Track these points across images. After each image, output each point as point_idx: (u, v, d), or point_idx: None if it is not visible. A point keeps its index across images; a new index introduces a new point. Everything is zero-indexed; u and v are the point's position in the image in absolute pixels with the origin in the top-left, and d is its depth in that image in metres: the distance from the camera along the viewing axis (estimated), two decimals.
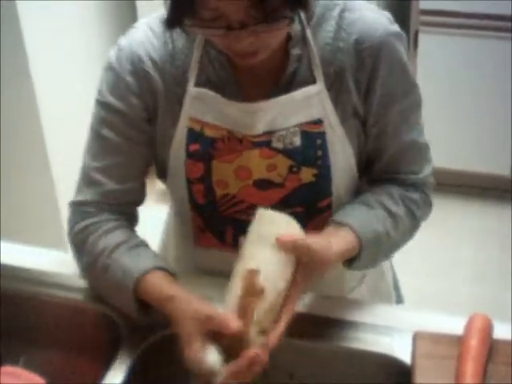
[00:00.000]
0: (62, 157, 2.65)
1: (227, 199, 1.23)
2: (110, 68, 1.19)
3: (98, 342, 1.24)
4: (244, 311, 0.98)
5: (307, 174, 1.18)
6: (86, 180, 1.23)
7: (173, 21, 1.03)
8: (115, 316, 1.20)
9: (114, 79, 1.18)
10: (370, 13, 1.16)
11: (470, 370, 1.02)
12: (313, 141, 1.16)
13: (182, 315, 1.03)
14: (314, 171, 1.18)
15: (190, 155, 1.20)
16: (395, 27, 1.16)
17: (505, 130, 3.07)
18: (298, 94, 1.15)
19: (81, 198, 1.23)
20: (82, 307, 1.25)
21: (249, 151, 1.18)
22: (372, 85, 1.15)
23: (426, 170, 1.25)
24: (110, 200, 1.23)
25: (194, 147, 1.19)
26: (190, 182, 1.23)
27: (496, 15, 2.88)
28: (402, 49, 1.16)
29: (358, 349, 1.14)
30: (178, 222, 1.39)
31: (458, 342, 1.07)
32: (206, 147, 1.19)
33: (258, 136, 1.17)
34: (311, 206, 1.23)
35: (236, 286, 1.01)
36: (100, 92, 1.21)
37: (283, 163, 1.18)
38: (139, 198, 1.29)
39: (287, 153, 1.17)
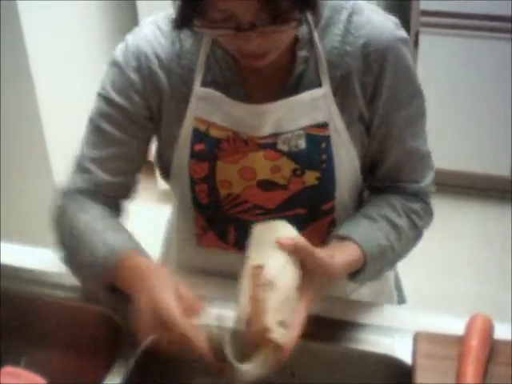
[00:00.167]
0: (62, 157, 2.65)
1: (231, 199, 1.23)
2: (114, 63, 1.20)
3: (98, 341, 1.24)
4: (255, 301, 0.97)
5: (311, 177, 1.18)
6: (79, 168, 1.23)
7: (182, 21, 1.03)
8: (115, 316, 1.20)
9: (118, 75, 1.19)
10: (378, 17, 1.15)
11: (471, 370, 1.02)
12: (318, 144, 1.16)
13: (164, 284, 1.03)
14: (318, 174, 1.18)
15: (194, 155, 1.20)
16: (402, 32, 1.16)
17: (505, 130, 3.07)
18: (304, 96, 1.15)
19: (71, 184, 1.24)
20: (82, 307, 1.25)
21: (254, 153, 1.18)
22: (378, 89, 1.15)
23: (428, 179, 1.25)
24: (100, 190, 1.23)
25: (199, 147, 1.19)
26: (193, 182, 1.23)
27: (496, 16, 2.88)
28: (408, 54, 1.16)
29: (358, 349, 1.14)
30: (180, 222, 1.39)
31: (459, 342, 1.07)
32: (211, 147, 1.19)
33: (264, 138, 1.17)
34: (314, 208, 1.23)
35: (245, 285, 1.01)
36: (103, 86, 1.21)
37: (287, 166, 1.18)
38: (129, 192, 1.29)
39: (292, 155, 1.17)
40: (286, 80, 1.15)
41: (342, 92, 1.15)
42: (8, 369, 1.14)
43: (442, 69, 2.95)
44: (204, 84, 1.16)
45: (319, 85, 1.15)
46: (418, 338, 1.10)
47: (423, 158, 1.24)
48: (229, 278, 1.22)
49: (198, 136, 1.19)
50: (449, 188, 3.19)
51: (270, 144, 1.17)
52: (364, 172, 1.24)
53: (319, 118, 1.16)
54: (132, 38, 1.19)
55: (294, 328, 1.00)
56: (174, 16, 1.04)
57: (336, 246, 1.12)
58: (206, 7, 0.98)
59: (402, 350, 1.12)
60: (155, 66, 1.17)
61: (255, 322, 0.97)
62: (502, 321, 1.13)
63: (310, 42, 1.14)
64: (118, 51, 1.20)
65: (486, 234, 3.10)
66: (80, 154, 1.24)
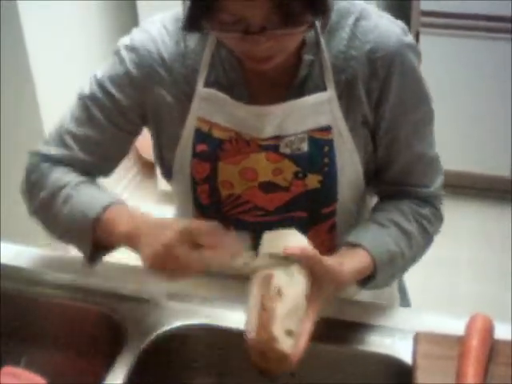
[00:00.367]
0: None
1: (232, 199, 1.23)
2: (117, 54, 1.20)
3: (98, 341, 1.24)
4: (263, 310, 0.97)
5: (313, 181, 1.18)
6: (58, 140, 1.24)
7: (190, 23, 1.02)
8: (115, 316, 1.20)
9: (119, 66, 1.19)
10: (385, 22, 1.15)
11: (471, 370, 1.02)
12: (320, 147, 1.16)
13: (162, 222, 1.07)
14: (320, 178, 1.18)
15: (196, 155, 1.20)
16: (409, 38, 1.15)
17: (505, 130, 3.07)
18: (308, 99, 1.14)
19: (47, 151, 1.24)
20: (82, 307, 1.24)
21: (256, 154, 1.18)
22: (384, 94, 1.14)
23: (437, 183, 1.25)
24: (76, 165, 1.24)
25: (201, 147, 1.19)
26: (195, 183, 1.23)
27: (496, 16, 2.88)
28: (415, 60, 1.15)
29: (359, 349, 1.14)
30: None
31: (459, 342, 1.07)
32: (214, 148, 1.18)
33: (266, 139, 1.16)
34: (315, 211, 1.23)
35: (253, 293, 1.01)
36: (102, 72, 1.21)
37: (289, 168, 1.18)
38: (103, 174, 1.30)
39: (294, 158, 1.17)
40: (291, 83, 1.15)
41: (346, 96, 1.15)
42: (8, 369, 1.14)
43: (442, 69, 2.95)
44: (207, 84, 1.16)
45: (324, 88, 1.14)
46: (418, 338, 1.10)
47: (432, 162, 1.24)
48: (229, 278, 1.22)
49: (201, 136, 1.19)
50: (449, 188, 3.14)
51: (272, 146, 1.17)
52: (367, 177, 1.23)
53: (323, 121, 1.15)
54: (138, 34, 1.19)
55: (302, 337, 1.00)
56: (182, 17, 1.03)
57: (345, 253, 1.12)
58: (215, 9, 0.97)
59: (403, 350, 1.12)
60: (157, 64, 1.17)
61: (262, 331, 0.97)
62: (502, 321, 1.13)
63: (316, 45, 1.13)
64: (123, 43, 1.20)
65: (485, 234, 3.10)
66: (62, 125, 1.25)
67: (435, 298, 2.63)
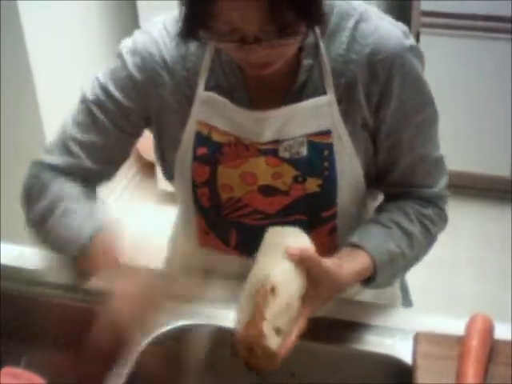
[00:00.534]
0: None
1: (232, 202, 1.23)
2: (119, 57, 1.20)
3: (98, 342, 1.24)
4: (255, 306, 0.98)
5: (312, 185, 1.18)
6: (62, 147, 1.23)
7: (187, 33, 1.02)
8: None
9: (121, 69, 1.19)
10: (386, 25, 1.14)
11: (471, 370, 1.02)
12: (320, 151, 1.16)
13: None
14: (319, 182, 1.18)
15: (196, 158, 1.20)
16: (410, 41, 1.14)
17: (505, 130, 3.07)
18: (308, 104, 1.14)
19: (50, 160, 1.24)
20: (83, 307, 1.24)
21: (255, 158, 1.18)
22: (385, 98, 1.14)
23: (441, 184, 1.24)
24: (79, 172, 1.23)
25: (201, 151, 1.19)
26: (195, 185, 1.23)
27: (496, 17, 2.88)
28: (416, 63, 1.14)
29: (359, 349, 1.14)
30: (183, 224, 1.40)
31: (459, 342, 1.07)
32: (213, 152, 1.18)
33: (265, 144, 1.16)
34: (315, 214, 1.23)
35: (248, 289, 1.02)
36: (104, 74, 1.21)
37: (288, 172, 1.17)
38: (105, 181, 1.29)
39: (293, 162, 1.17)
40: (290, 87, 1.14)
41: (346, 100, 1.14)
42: (8, 369, 1.14)
43: (442, 69, 2.95)
44: (208, 88, 1.16)
45: (323, 92, 1.14)
46: (418, 338, 1.10)
47: (436, 164, 1.23)
48: (232, 278, 1.23)
49: (201, 140, 1.19)
50: (449, 188, 3.18)
51: (271, 150, 1.17)
52: (368, 179, 1.23)
53: (322, 125, 1.15)
54: (140, 36, 1.19)
55: (290, 336, 1.00)
56: (179, 25, 1.03)
57: (345, 255, 1.12)
58: (210, 19, 0.97)
59: (403, 350, 1.12)
60: (159, 67, 1.17)
61: (252, 327, 0.97)
62: (502, 321, 1.13)
63: (316, 49, 1.12)
64: (125, 46, 1.19)
65: (485, 234, 3.10)
66: (66, 131, 1.24)
67: (435, 298, 2.63)
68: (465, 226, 3.11)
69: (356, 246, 1.13)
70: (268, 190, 1.20)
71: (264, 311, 0.97)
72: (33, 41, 2.53)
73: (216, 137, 1.18)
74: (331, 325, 1.16)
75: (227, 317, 1.18)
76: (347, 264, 1.09)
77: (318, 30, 1.11)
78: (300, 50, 1.11)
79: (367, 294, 1.32)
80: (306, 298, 1.03)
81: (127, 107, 1.19)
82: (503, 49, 2.93)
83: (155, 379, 1.18)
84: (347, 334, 1.15)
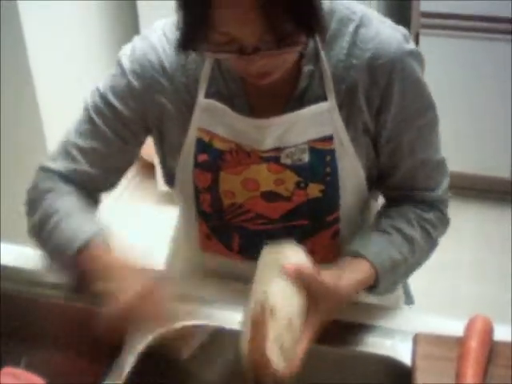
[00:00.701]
0: None
1: (234, 208, 1.23)
2: (119, 64, 1.19)
3: (98, 342, 1.24)
4: (256, 328, 0.98)
5: (314, 190, 1.18)
6: (64, 153, 1.23)
7: (186, 44, 1.01)
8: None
9: (120, 77, 1.18)
10: (386, 29, 1.13)
11: (471, 371, 1.02)
12: (322, 157, 1.16)
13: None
14: (322, 187, 1.17)
15: (198, 165, 1.20)
16: (410, 45, 1.14)
17: (505, 132, 3.07)
18: (309, 110, 1.13)
19: (54, 166, 1.23)
20: (82, 308, 1.24)
21: (257, 165, 1.17)
22: (385, 103, 1.13)
23: (443, 187, 1.24)
24: (81, 179, 1.23)
25: (203, 157, 1.19)
26: (197, 191, 1.23)
27: (496, 17, 2.88)
28: (416, 67, 1.13)
29: (358, 350, 1.14)
30: (185, 229, 1.39)
31: (458, 343, 1.07)
32: (215, 158, 1.18)
33: (267, 151, 1.16)
34: (318, 219, 1.23)
35: (249, 310, 1.01)
36: (104, 83, 1.20)
37: (291, 179, 1.17)
38: (107, 188, 1.29)
39: (295, 169, 1.16)
40: (291, 94, 1.14)
41: (347, 105, 1.14)
42: (8, 369, 1.14)
43: (441, 70, 2.95)
44: (208, 95, 1.15)
45: (324, 98, 1.13)
46: (417, 339, 1.10)
47: (437, 167, 1.23)
48: (234, 280, 1.23)
49: (202, 146, 1.18)
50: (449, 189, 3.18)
51: (273, 157, 1.16)
52: (370, 182, 1.23)
53: (324, 131, 1.15)
54: (140, 43, 1.18)
55: (296, 355, 1.00)
56: (177, 37, 1.02)
57: (346, 265, 1.11)
58: (208, 30, 0.96)
59: (402, 352, 1.12)
60: (159, 74, 1.16)
61: (255, 352, 0.97)
62: (502, 322, 1.13)
63: (316, 55, 1.12)
64: (124, 54, 1.19)
65: (485, 235, 3.10)
66: (68, 139, 1.23)
67: (436, 300, 2.63)
68: (465, 227, 3.11)
69: (357, 255, 1.13)
70: (270, 196, 1.20)
71: (265, 334, 0.97)
72: (33, 41, 2.53)
73: (217, 144, 1.17)
74: (331, 326, 1.16)
75: (227, 318, 1.19)
76: (347, 274, 1.08)
77: (318, 37, 1.10)
78: (300, 56, 1.10)
79: (370, 296, 1.32)
80: (307, 315, 1.03)
81: (126, 116, 1.19)
82: (503, 50, 2.93)
83: (155, 379, 1.18)
84: (347, 335, 1.15)
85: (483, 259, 2.98)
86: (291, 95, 1.14)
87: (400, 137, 1.17)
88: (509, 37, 2.89)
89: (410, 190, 1.23)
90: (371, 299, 1.29)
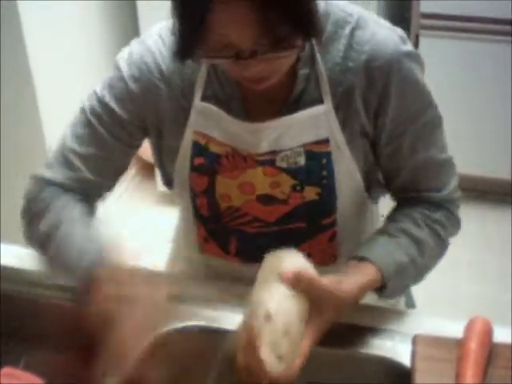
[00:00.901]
0: None
1: (231, 211, 1.23)
2: (117, 69, 1.19)
3: (98, 343, 1.24)
4: (250, 333, 0.97)
5: (311, 193, 1.17)
6: (62, 160, 1.22)
7: (182, 51, 1.00)
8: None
9: (118, 81, 1.18)
10: (382, 31, 1.12)
11: (470, 372, 1.02)
12: (318, 160, 1.15)
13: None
14: (318, 190, 1.17)
15: (194, 168, 1.20)
16: (407, 46, 1.13)
17: (505, 133, 3.07)
18: (305, 114, 1.13)
19: (50, 175, 1.22)
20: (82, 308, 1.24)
21: (252, 169, 1.17)
22: (383, 106, 1.13)
23: (450, 186, 1.22)
24: (80, 186, 1.22)
25: (199, 161, 1.19)
26: (194, 195, 1.23)
27: (496, 19, 2.88)
28: (414, 68, 1.13)
29: (358, 351, 1.14)
30: (183, 231, 1.40)
31: (458, 345, 1.07)
32: (211, 162, 1.18)
33: (262, 154, 1.16)
34: (314, 222, 1.23)
35: (245, 316, 1.01)
36: (102, 87, 1.20)
37: (286, 182, 1.17)
38: (105, 193, 1.28)
39: (291, 172, 1.16)
40: (287, 97, 1.13)
41: (343, 108, 1.13)
42: (7, 370, 1.14)
43: (441, 71, 2.95)
44: (204, 98, 1.15)
45: (320, 101, 1.13)
46: (417, 340, 1.10)
47: (442, 166, 1.22)
48: (228, 280, 1.23)
49: (198, 150, 1.18)
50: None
51: (268, 160, 1.16)
52: (368, 186, 1.23)
53: (320, 134, 1.14)
54: (137, 47, 1.18)
55: (297, 358, 0.99)
56: (173, 43, 1.01)
57: (348, 270, 1.10)
58: (205, 35, 0.95)
59: (402, 353, 1.12)
60: (156, 78, 1.16)
61: (249, 355, 0.96)
62: (501, 323, 1.13)
63: (312, 58, 1.11)
64: (122, 57, 1.18)
65: (485, 236, 3.10)
66: (64, 143, 1.22)
67: (436, 300, 2.63)
68: (465, 228, 3.08)
69: (362, 259, 1.12)
70: (266, 199, 1.20)
71: (260, 338, 0.96)
72: (33, 41, 2.53)
73: (213, 147, 1.17)
74: (331, 327, 1.16)
75: (226, 318, 1.19)
76: (350, 278, 1.07)
77: (314, 40, 1.09)
78: (296, 60, 1.09)
79: (370, 297, 1.32)
80: (309, 320, 1.02)
81: (124, 119, 1.19)
82: (503, 51, 2.93)
83: (155, 380, 1.18)
84: (346, 336, 1.15)
85: (483, 260, 2.98)
86: (287, 98, 1.13)
87: (400, 138, 1.16)
88: (509, 38, 2.89)
89: (416, 191, 1.22)
90: (371, 301, 1.30)
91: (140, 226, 3.12)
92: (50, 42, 2.68)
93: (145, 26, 2.94)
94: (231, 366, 1.00)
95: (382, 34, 1.12)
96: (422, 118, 1.16)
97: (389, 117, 1.14)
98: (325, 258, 1.26)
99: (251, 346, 0.96)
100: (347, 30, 1.11)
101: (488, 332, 1.08)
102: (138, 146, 1.26)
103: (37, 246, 1.20)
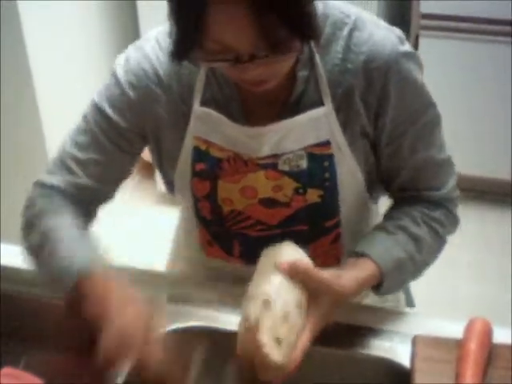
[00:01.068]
0: None
1: (234, 215, 1.22)
2: (114, 76, 1.18)
3: (97, 343, 1.24)
4: (248, 320, 0.98)
5: (313, 195, 1.17)
6: (62, 166, 1.21)
7: (180, 54, 1.00)
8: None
9: (115, 88, 1.17)
10: (380, 31, 1.11)
11: (470, 373, 1.02)
12: (320, 163, 1.15)
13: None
14: (320, 192, 1.17)
15: (195, 174, 1.19)
16: (405, 46, 1.12)
17: (505, 133, 3.07)
18: (305, 116, 1.12)
19: (51, 181, 1.21)
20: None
21: (254, 173, 1.17)
22: (382, 107, 1.12)
23: (449, 185, 1.23)
24: (79, 192, 1.21)
25: (200, 166, 1.18)
26: (196, 199, 1.23)
27: (496, 20, 2.88)
28: (413, 68, 1.12)
29: (357, 352, 1.14)
30: (186, 233, 1.39)
31: (458, 345, 1.07)
32: (212, 167, 1.18)
33: (264, 158, 1.15)
34: (317, 225, 1.23)
35: (243, 306, 1.02)
36: (99, 94, 1.19)
37: (289, 185, 1.17)
38: (105, 200, 1.27)
39: (293, 175, 1.16)
40: (287, 100, 1.13)
41: (343, 109, 1.13)
42: (7, 370, 1.14)
43: (441, 72, 2.95)
44: (203, 103, 1.15)
45: (320, 103, 1.12)
46: (416, 341, 1.10)
47: (442, 165, 1.22)
48: (227, 281, 1.23)
49: (199, 155, 1.18)
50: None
51: (270, 164, 1.16)
52: (370, 186, 1.23)
53: (321, 136, 1.14)
54: (134, 54, 1.17)
55: (296, 349, 1.00)
56: (171, 47, 1.00)
57: (348, 264, 1.11)
58: (202, 39, 0.94)
59: (401, 354, 1.12)
60: (154, 84, 1.15)
61: (249, 341, 0.97)
62: (501, 324, 1.13)
63: (311, 61, 1.11)
64: (119, 64, 1.17)
65: (485, 236, 3.10)
66: (65, 149, 1.22)
67: (436, 301, 2.63)
68: (464, 228, 3.08)
69: (360, 255, 1.12)
70: (269, 203, 1.19)
71: (259, 323, 0.96)
72: (33, 41, 2.53)
73: (214, 152, 1.17)
74: (330, 328, 1.16)
75: (225, 319, 1.19)
76: (349, 272, 1.08)
77: (312, 42, 1.09)
78: (295, 61, 1.09)
79: (371, 298, 1.32)
80: (308, 311, 1.02)
81: (123, 127, 1.18)
82: (503, 51, 2.93)
83: (154, 380, 1.18)
84: (346, 337, 1.15)
85: (483, 260, 2.98)
86: (287, 101, 1.13)
87: (400, 138, 1.16)
88: (509, 39, 2.89)
89: (415, 191, 1.22)
90: (371, 301, 1.30)
91: (140, 226, 3.12)
92: (50, 42, 2.68)
93: (145, 26, 2.94)
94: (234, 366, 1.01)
95: (380, 34, 1.11)
96: (422, 118, 1.16)
97: (389, 117, 1.14)
98: (328, 260, 1.26)
99: (251, 332, 0.97)
100: (345, 32, 1.11)
101: (488, 333, 1.09)
102: (139, 153, 1.25)
103: (30, 254, 1.19)
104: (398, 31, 1.14)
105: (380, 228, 1.20)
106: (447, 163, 1.23)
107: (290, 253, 1.05)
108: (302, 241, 1.20)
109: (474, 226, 3.15)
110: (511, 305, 2.48)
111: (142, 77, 1.15)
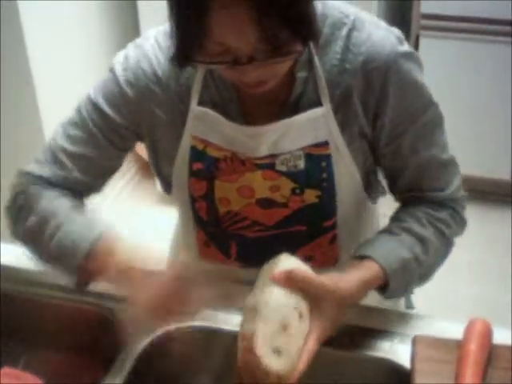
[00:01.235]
0: None
1: (230, 216, 1.22)
2: (112, 73, 1.18)
3: (97, 342, 1.24)
4: (247, 339, 0.97)
5: (311, 196, 1.17)
6: (52, 157, 1.21)
7: (180, 57, 0.99)
8: (114, 317, 1.20)
9: (113, 85, 1.17)
10: (379, 32, 1.11)
11: (470, 373, 1.02)
12: (318, 163, 1.15)
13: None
14: (318, 193, 1.17)
15: (193, 174, 1.19)
16: (404, 47, 1.12)
17: (505, 133, 3.07)
18: (303, 116, 1.12)
19: (39, 171, 1.21)
20: (82, 308, 1.24)
21: (251, 173, 1.17)
22: (381, 107, 1.12)
23: (453, 185, 1.22)
24: (67, 184, 1.22)
25: (197, 166, 1.18)
26: (193, 199, 1.23)
27: (496, 20, 2.88)
28: (412, 68, 1.12)
29: (357, 352, 1.14)
30: (183, 235, 1.39)
31: (458, 346, 1.07)
32: (209, 167, 1.18)
33: (261, 158, 1.15)
34: (315, 225, 1.22)
35: (242, 318, 1.01)
36: (96, 90, 1.19)
37: (286, 185, 1.17)
38: (93, 192, 1.28)
39: (291, 175, 1.16)
40: (285, 100, 1.13)
41: (342, 110, 1.12)
42: (7, 370, 1.14)
43: (441, 72, 2.95)
44: (201, 103, 1.14)
45: (319, 104, 1.12)
46: (416, 341, 1.10)
47: (445, 166, 1.21)
48: (227, 281, 1.22)
49: (196, 155, 1.18)
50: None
51: (267, 164, 1.16)
52: (368, 187, 1.22)
53: (319, 137, 1.14)
54: (134, 52, 1.17)
55: (301, 357, 0.99)
56: (171, 49, 1.01)
57: (349, 267, 1.10)
58: (202, 41, 0.94)
59: (401, 354, 1.12)
60: (152, 83, 1.15)
61: (247, 353, 0.96)
62: (501, 324, 1.13)
63: (309, 61, 1.11)
64: (118, 62, 1.17)
65: (485, 237, 3.10)
66: (56, 141, 1.22)
67: (436, 302, 2.63)
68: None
69: (363, 257, 1.11)
70: (266, 203, 1.19)
71: (254, 337, 0.96)
72: (33, 41, 2.53)
73: (211, 152, 1.17)
74: (338, 327, 1.16)
75: (225, 319, 1.19)
76: (350, 274, 1.06)
77: (311, 43, 1.09)
78: (294, 62, 1.09)
79: (370, 298, 1.32)
80: (311, 319, 1.01)
81: (118, 123, 1.18)
82: (503, 52, 2.93)
83: (154, 380, 1.18)
84: (346, 337, 1.15)
85: (483, 261, 2.98)
86: (285, 101, 1.13)
87: (400, 138, 1.16)
88: (509, 39, 2.89)
89: (419, 191, 1.21)
90: (371, 302, 1.30)
91: (139, 226, 3.12)
92: (49, 42, 2.67)
93: (145, 25, 2.94)
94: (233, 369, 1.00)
95: (379, 34, 1.11)
96: (422, 117, 1.16)
97: (388, 117, 1.13)
98: (326, 261, 1.26)
99: (248, 345, 0.96)
100: (344, 32, 1.10)
101: (488, 333, 1.08)
102: (130, 149, 1.25)
103: (26, 239, 1.20)
104: (397, 31, 1.14)
105: (384, 230, 1.19)
106: (451, 163, 1.22)
107: (288, 264, 1.03)
108: (299, 241, 1.20)
109: (474, 227, 3.12)
110: (511, 305, 2.48)
111: (140, 75, 1.15)
